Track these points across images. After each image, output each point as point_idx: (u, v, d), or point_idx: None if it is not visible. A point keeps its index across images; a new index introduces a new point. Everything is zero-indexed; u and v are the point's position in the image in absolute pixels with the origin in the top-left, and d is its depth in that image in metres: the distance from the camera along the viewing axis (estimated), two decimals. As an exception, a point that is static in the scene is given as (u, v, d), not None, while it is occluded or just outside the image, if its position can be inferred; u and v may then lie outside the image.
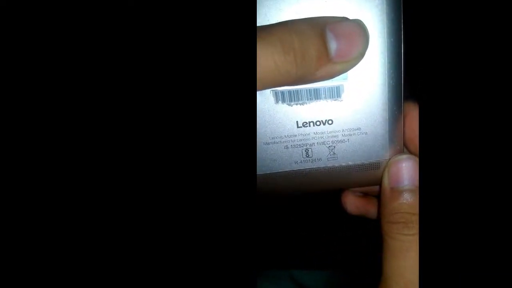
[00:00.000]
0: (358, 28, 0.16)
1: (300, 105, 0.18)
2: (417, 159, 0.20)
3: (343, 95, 0.18)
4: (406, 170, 0.19)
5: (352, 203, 0.25)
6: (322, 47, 0.15)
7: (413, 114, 0.20)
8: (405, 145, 0.20)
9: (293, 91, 0.18)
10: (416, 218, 0.19)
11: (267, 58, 0.14)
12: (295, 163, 0.19)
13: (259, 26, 0.15)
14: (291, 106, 0.18)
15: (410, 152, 0.21)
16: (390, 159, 0.20)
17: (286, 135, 0.19)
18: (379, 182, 0.20)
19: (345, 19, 0.16)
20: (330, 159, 0.19)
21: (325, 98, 0.18)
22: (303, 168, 0.20)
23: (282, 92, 0.18)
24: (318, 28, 0.15)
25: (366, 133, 0.19)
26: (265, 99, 0.18)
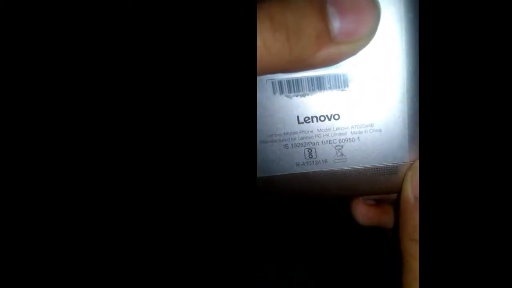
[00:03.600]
0: (367, 0, 0.13)
1: (301, 96, 0.15)
2: None
3: (352, 85, 0.15)
4: None
5: (364, 213, 0.22)
6: (322, 24, 0.12)
7: None
8: None
9: (293, 80, 0.15)
10: None
11: (258, 46, 0.12)
12: (296, 165, 0.17)
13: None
14: (291, 98, 0.16)
15: None
16: (412, 162, 0.17)
17: (285, 132, 0.16)
18: (397, 189, 0.17)
19: None
20: (338, 161, 0.17)
21: (330, 88, 0.15)
22: (306, 171, 0.17)
23: (280, 82, 0.15)
24: (318, 1, 0.12)
25: (380, 130, 0.16)
26: (260, 90, 0.15)
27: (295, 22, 0.12)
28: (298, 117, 0.16)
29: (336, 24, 0.12)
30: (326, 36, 0.13)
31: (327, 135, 0.16)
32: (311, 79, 0.15)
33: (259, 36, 0.12)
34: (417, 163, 0.17)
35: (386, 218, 0.22)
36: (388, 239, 0.22)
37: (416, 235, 0.17)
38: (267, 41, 0.12)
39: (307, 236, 0.48)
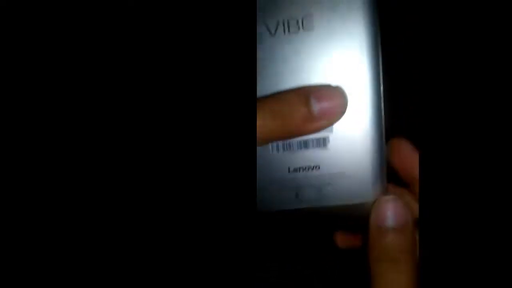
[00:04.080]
0: (338, 92, 0.19)
1: (292, 153, 0.21)
2: (401, 200, 0.22)
3: (329, 145, 0.21)
4: (392, 210, 0.21)
5: (342, 239, 0.27)
6: (306, 110, 0.18)
7: (399, 147, 0.23)
8: (400, 173, 0.23)
9: (286, 143, 0.21)
10: (404, 256, 0.20)
11: (260, 124, 0.18)
12: (287, 203, 0.22)
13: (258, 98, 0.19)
14: (284, 154, 0.21)
15: (405, 180, 0.24)
16: (375, 199, 0.22)
17: (279, 179, 0.22)
18: (365, 221, 0.23)
19: (327, 86, 0.19)
20: (318, 200, 0.22)
21: (313, 147, 0.21)
22: (294, 208, 0.22)
23: (277, 144, 0.21)
24: (304, 95, 0.18)
25: (350, 177, 0.21)
26: (263, 149, 0.21)
27: (288, 111, 0.18)
28: (289, 168, 0.21)
29: (316, 109, 0.18)
30: (309, 118, 0.18)
31: (310, 181, 0.21)
32: (299, 142, 0.21)
33: (264, 123, 0.18)
34: (380, 198, 0.22)
35: (360, 243, 0.27)
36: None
37: (380, 257, 0.21)
38: (269, 126, 0.18)
39: (307, 236, 0.49)
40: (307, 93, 0.18)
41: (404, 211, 0.21)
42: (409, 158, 0.24)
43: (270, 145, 0.21)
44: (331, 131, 0.20)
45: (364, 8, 0.19)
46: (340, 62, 0.19)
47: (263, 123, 0.18)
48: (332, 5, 0.19)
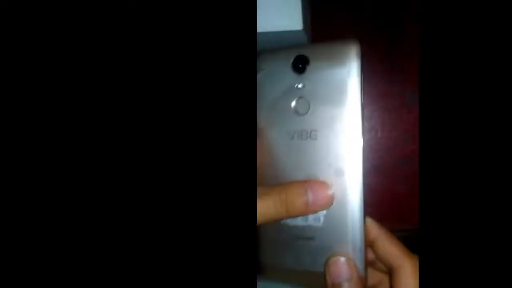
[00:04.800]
0: (327, 189, 0.26)
1: (296, 225, 0.28)
2: (349, 260, 0.27)
3: (322, 222, 0.28)
4: (342, 268, 0.27)
5: None
6: (304, 200, 0.26)
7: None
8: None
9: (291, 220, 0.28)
10: None
11: (269, 208, 0.25)
12: (288, 262, 0.29)
13: (267, 186, 0.26)
14: (291, 226, 0.28)
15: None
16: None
17: (284, 243, 0.29)
18: None
19: (321, 181, 0.27)
20: (312, 263, 0.29)
21: (311, 222, 0.28)
22: (295, 267, 0.29)
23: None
24: (303, 189, 0.26)
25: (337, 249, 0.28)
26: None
27: (292, 200, 0.25)
28: (293, 236, 0.28)
29: (311, 199, 0.26)
30: (306, 205, 0.26)
31: (307, 248, 0.28)
32: (302, 217, 0.28)
33: (274, 209, 0.25)
34: (329, 261, 0.27)
35: None
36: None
37: None
38: (278, 210, 0.25)
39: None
40: (306, 186, 0.26)
41: (347, 267, 0.26)
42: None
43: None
44: (324, 212, 0.28)
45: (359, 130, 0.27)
46: (333, 162, 0.27)
47: (274, 208, 0.25)
48: (332, 125, 0.27)
